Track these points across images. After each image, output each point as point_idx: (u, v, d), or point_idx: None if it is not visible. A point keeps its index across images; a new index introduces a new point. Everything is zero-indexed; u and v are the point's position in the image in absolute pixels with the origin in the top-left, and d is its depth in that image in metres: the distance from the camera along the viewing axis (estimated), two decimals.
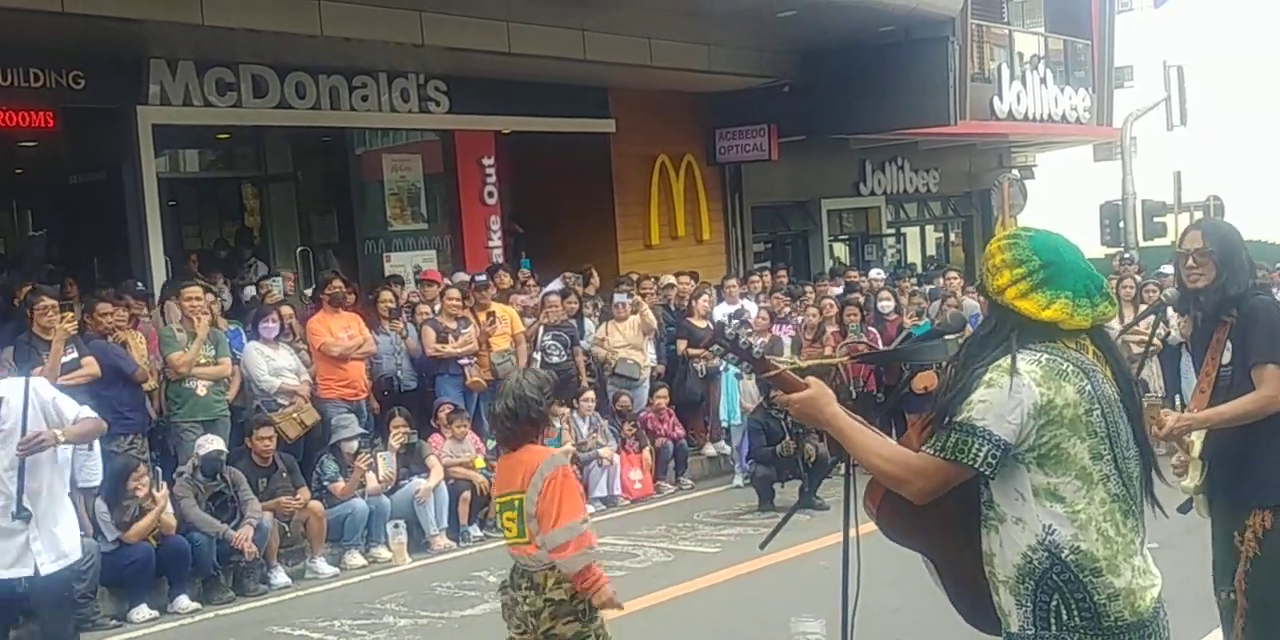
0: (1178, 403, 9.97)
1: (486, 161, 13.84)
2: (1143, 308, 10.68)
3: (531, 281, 12.12)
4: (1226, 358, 4.17)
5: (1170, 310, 7.43)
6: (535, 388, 4.20)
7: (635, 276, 12.28)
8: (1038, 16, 23.19)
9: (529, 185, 15.22)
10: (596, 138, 14.70)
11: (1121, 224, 21.31)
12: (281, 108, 11.59)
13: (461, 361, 10.18)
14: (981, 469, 2.63)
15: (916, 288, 13.78)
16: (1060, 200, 33.39)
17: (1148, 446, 2.81)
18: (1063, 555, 2.64)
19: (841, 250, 20.17)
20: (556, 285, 12.10)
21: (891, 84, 14.68)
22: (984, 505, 2.76)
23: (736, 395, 11.28)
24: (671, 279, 12.99)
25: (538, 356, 10.88)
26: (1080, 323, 2.73)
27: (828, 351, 11.25)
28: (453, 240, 13.75)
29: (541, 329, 10.97)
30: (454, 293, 10.49)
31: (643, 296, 11.99)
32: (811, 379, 2.85)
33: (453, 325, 10.31)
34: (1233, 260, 4.18)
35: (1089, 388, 2.67)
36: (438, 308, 10.54)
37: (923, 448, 2.70)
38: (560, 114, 13.95)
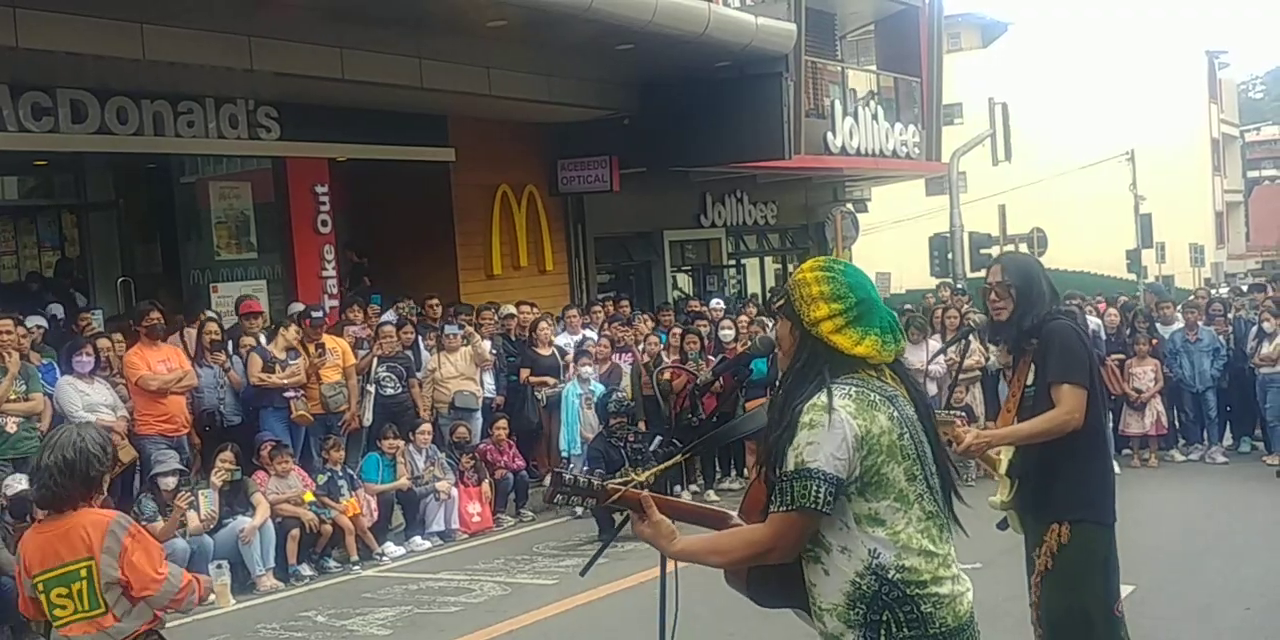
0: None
1: (320, 189, 13.54)
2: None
3: (369, 311, 11.88)
4: (1031, 379, 4.35)
5: (975, 338, 7.71)
6: (98, 444, 3.87)
7: (474, 306, 12.15)
8: (870, 54, 24.01)
9: (366, 214, 14.96)
10: (436, 166, 14.54)
11: (950, 255, 22.09)
12: (102, 133, 11.11)
13: (287, 394, 9.89)
14: (824, 509, 2.69)
15: (756, 317, 14.00)
16: (897, 232, 34.53)
17: (946, 464, 2.89)
18: (889, 576, 2.71)
19: (684, 281, 20.39)
20: (390, 316, 11.90)
21: (728, 118, 14.95)
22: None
23: (577, 424, 11.25)
24: (511, 309, 12.91)
25: (371, 389, 10.67)
26: (887, 358, 2.83)
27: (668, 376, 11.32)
28: (284, 270, 13.38)
29: (376, 360, 10.75)
30: (293, 327, 10.21)
31: (482, 326, 11.89)
32: (658, 519, 2.89)
33: (281, 355, 10.01)
34: (1030, 293, 4.38)
35: (896, 413, 2.76)
36: (264, 338, 10.24)
37: (769, 509, 2.75)
38: (398, 142, 13.76)
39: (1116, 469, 12.01)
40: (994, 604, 5.31)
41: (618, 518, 10.39)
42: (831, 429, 2.68)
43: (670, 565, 3.05)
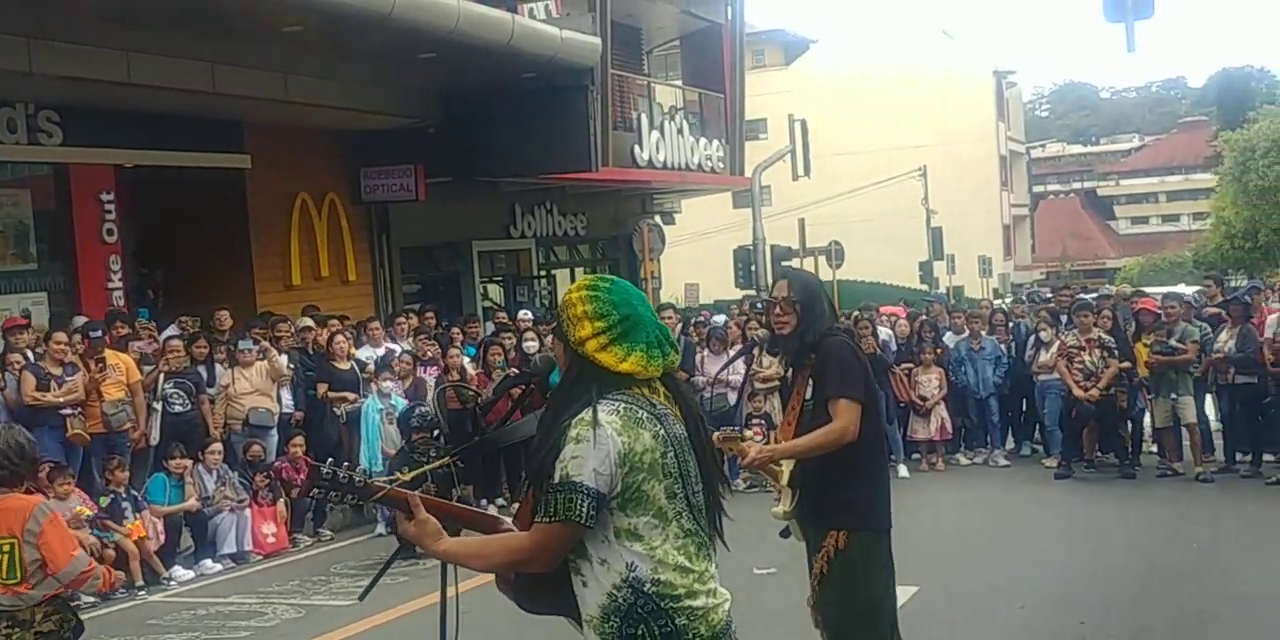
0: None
1: (106, 197, 12.92)
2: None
3: (152, 327, 11.38)
4: (809, 393, 4.49)
5: (760, 350, 7.92)
6: (16, 448, 4.59)
7: (271, 319, 11.79)
8: (676, 69, 24.40)
9: (158, 223, 14.35)
10: (231, 174, 14.07)
11: (753, 267, 22.62)
12: None
13: (64, 412, 9.39)
14: (586, 522, 2.73)
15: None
16: (705, 244, 35.17)
17: (715, 482, 2.94)
18: (645, 589, 2.76)
19: (495, 291, 20.29)
20: (175, 330, 11.43)
21: (535, 129, 14.96)
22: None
23: (378, 440, 11.04)
24: (309, 321, 12.57)
25: (159, 406, 10.22)
26: (653, 373, 2.87)
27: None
28: (67, 281, 12.71)
29: (162, 377, 10.31)
30: (60, 337, 9.67)
31: (279, 339, 11.54)
32: (423, 518, 2.89)
33: (57, 372, 9.49)
34: (813, 308, 4.52)
35: (662, 432, 2.80)
36: (40, 352, 9.69)
37: (534, 519, 2.78)
38: (190, 148, 13.26)
39: (905, 473, 12.62)
40: (788, 608, 5.45)
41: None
42: (596, 444, 2.72)
43: (465, 583, 3.06)
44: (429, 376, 11.82)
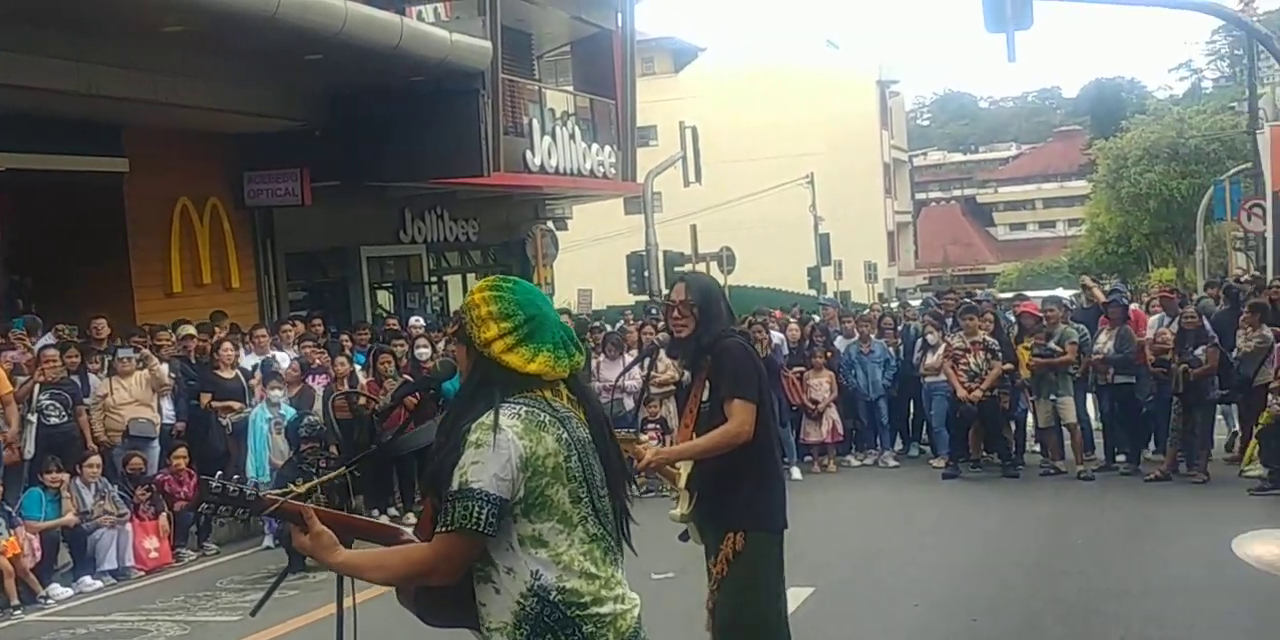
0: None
1: None
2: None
3: (12, 336, 10.91)
4: (706, 395, 4.50)
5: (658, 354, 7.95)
6: None
7: (149, 327, 11.42)
8: (567, 75, 24.38)
9: (31, 228, 13.82)
10: (108, 178, 13.61)
11: (646, 273, 22.69)
12: None
13: None
14: (486, 531, 2.66)
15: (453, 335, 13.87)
16: (598, 250, 35.19)
17: (621, 486, 2.90)
18: (551, 597, 2.70)
19: (385, 298, 19.98)
20: (50, 339, 11.01)
21: (425, 133, 14.77)
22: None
23: (265, 451, 10.76)
24: (191, 329, 12.22)
25: (33, 418, 9.82)
26: (560, 373, 2.82)
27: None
28: None
29: (38, 387, 9.91)
30: None
31: (160, 348, 11.19)
32: (318, 530, 2.80)
33: None
34: (710, 311, 4.54)
35: (566, 435, 2.75)
36: None
37: (436, 529, 2.70)
38: (64, 151, 12.77)
39: (798, 475, 12.74)
40: (686, 612, 5.43)
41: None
42: (497, 449, 2.66)
43: (362, 594, 2.97)
44: (317, 385, 11.57)
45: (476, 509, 2.64)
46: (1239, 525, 4.85)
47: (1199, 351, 11.06)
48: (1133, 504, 10.47)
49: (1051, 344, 11.85)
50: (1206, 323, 11.58)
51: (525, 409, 2.72)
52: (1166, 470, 11.23)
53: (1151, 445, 12.32)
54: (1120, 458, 12.12)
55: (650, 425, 11.72)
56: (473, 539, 2.67)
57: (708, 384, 4.51)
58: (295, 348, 12.45)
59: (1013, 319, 13.16)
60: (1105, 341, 11.89)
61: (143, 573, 9.75)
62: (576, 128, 20.30)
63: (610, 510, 2.84)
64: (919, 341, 13.08)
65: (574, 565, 2.72)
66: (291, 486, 2.97)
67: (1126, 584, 7.62)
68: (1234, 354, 11.32)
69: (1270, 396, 10.74)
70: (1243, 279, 16.78)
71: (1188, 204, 37.69)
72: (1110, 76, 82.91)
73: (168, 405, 10.97)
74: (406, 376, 11.66)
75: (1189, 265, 37.49)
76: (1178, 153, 40.86)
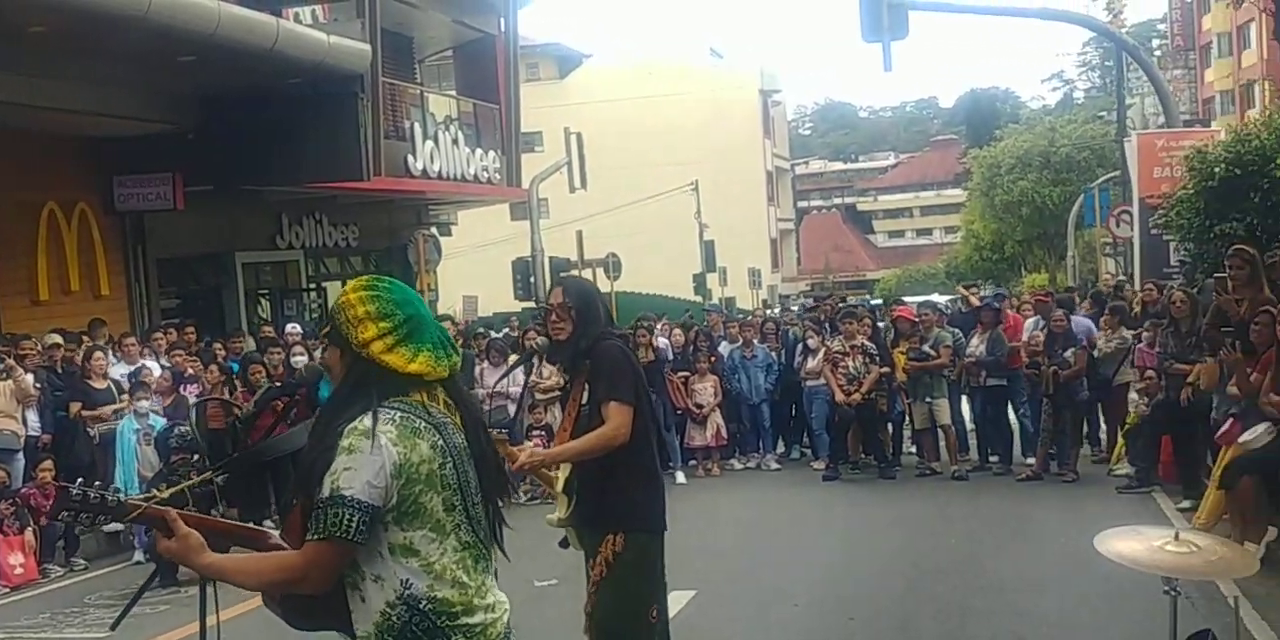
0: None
1: None
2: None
3: None
4: (585, 398, 4.50)
5: (540, 360, 7.93)
6: None
7: (11, 336, 11.00)
8: (450, 79, 24.20)
9: None
10: None
11: (532, 279, 22.62)
12: None
13: None
14: (357, 539, 2.61)
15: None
16: (484, 256, 34.98)
17: (495, 493, 2.87)
18: (421, 606, 2.67)
19: (262, 305, 19.55)
20: None
21: (303, 137, 14.52)
22: None
23: (134, 462, 10.44)
24: (58, 338, 11.80)
25: None
26: (441, 373, 2.79)
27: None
28: None
29: None
30: None
31: (24, 358, 10.79)
32: (184, 532, 2.72)
33: None
34: (587, 314, 4.53)
35: (440, 442, 2.72)
36: None
37: (306, 536, 2.64)
38: None
39: (683, 479, 12.80)
40: (568, 618, 5.41)
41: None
42: (370, 455, 2.61)
43: (228, 610, 2.91)
44: (190, 394, 11.28)
45: (347, 516, 2.59)
46: (1107, 522, 5.02)
47: (1068, 354, 11.42)
48: (1005, 503, 10.76)
49: (926, 348, 12.13)
50: (1074, 326, 11.97)
51: (400, 414, 2.68)
52: (1038, 470, 11.57)
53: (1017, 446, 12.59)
54: (993, 458, 12.45)
55: (535, 431, 11.68)
56: (344, 547, 2.62)
57: (586, 387, 4.51)
58: (167, 357, 12.12)
59: (890, 324, 13.44)
60: (978, 345, 12.21)
61: (7, 589, 9.38)
62: (460, 132, 20.15)
63: (484, 517, 2.81)
64: (800, 346, 13.27)
65: (445, 574, 2.69)
66: (154, 491, 2.89)
67: (999, 581, 7.82)
68: (1095, 353, 11.76)
69: (1135, 396, 11.17)
70: (1113, 284, 17.43)
71: (1059, 211, 38.92)
72: (985, 87, 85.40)
73: (33, 417, 10.58)
74: (278, 383, 11.44)
75: (1061, 271, 38.74)
76: (1049, 161, 42.16)
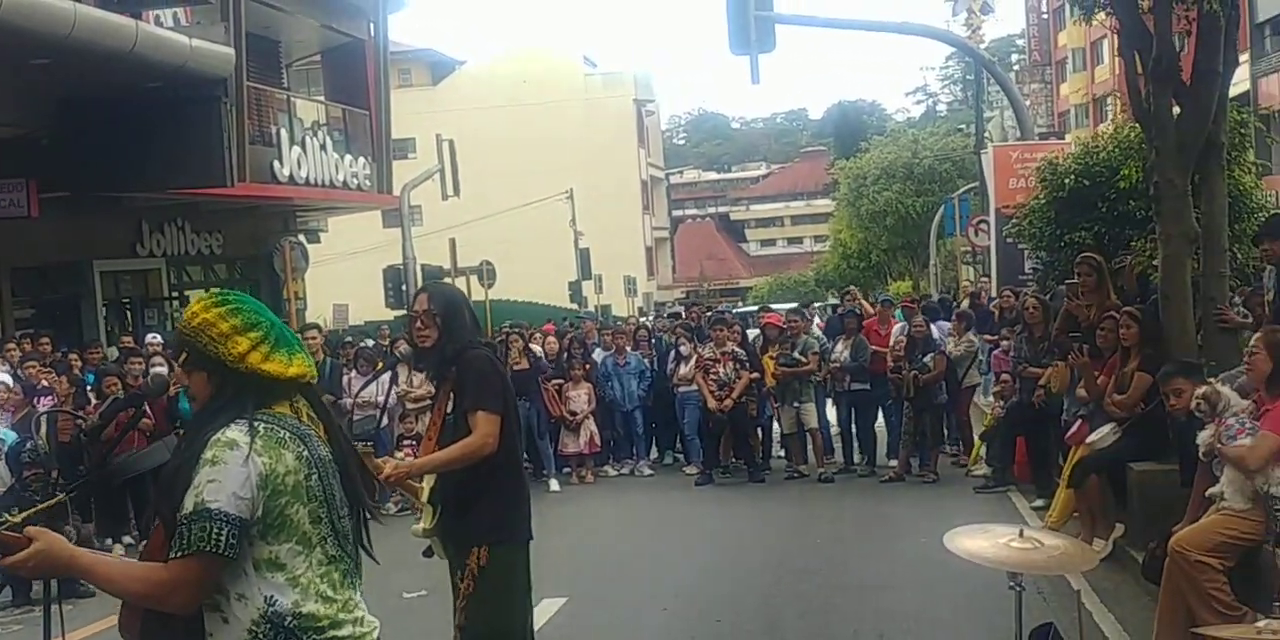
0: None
1: None
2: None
3: None
4: (451, 406, 4.48)
5: (408, 368, 7.89)
6: None
7: None
8: (319, 84, 23.81)
9: None
10: None
11: (404, 287, 22.35)
12: None
13: None
14: (228, 553, 2.54)
15: None
16: (355, 263, 34.45)
17: (361, 506, 2.85)
18: (286, 623, 2.62)
19: (120, 315, 18.94)
20: None
21: (163, 142, 14.13)
22: None
23: None
24: None
25: None
26: (314, 375, 2.80)
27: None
28: None
29: None
30: None
31: None
32: (34, 530, 2.60)
33: None
34: (453, 321, 4.50)
35: (306, 453, 2.68)
36: None
37: (170, 554, 2.55)
38: None
39: (556, 487, 12.81)
40: (438, 630, 5.39)
41: (38, 584, 9.48)
42: (235, 467, 2.56)
43: (76, 633, 2.81)
44: (43, 407, 10.86)
45: (215, 530, 2.53)
46: (964, 521, 5.21)
47: (927, 359, 11.77)
48: (869, 504, 11.03)
49: (795, 354, 12.37)
50: (934, 331, 12.35)
51: (264, 426, 2.64)
52: (900, 471, 11.89)
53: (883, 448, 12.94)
54: (858, 460, 12.75)
55: (406, 441, 11.54)
56: (213, 561, 2.55)
57: (452, 396, 4.49)
58: (20, 368, 11.67)
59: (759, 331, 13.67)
60: (842, 350, 12.51)
61: None
62: (328, 138, 19.84)
63: (350, 531, 2.79)
64: (672, 353, 13.41)
65: (311, 588, 2.65)
66: (7, 516, 2.79)
67: (861, 579, 8.02)
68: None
69: (981, 399, 11.58)
70: (971, 291, 18.03)
71: (922, 221, 39.98)
72: (853, 100, 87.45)
73: None
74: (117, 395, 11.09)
75: (924, 278, 39.74)
76: (912, 172, 43.30)
